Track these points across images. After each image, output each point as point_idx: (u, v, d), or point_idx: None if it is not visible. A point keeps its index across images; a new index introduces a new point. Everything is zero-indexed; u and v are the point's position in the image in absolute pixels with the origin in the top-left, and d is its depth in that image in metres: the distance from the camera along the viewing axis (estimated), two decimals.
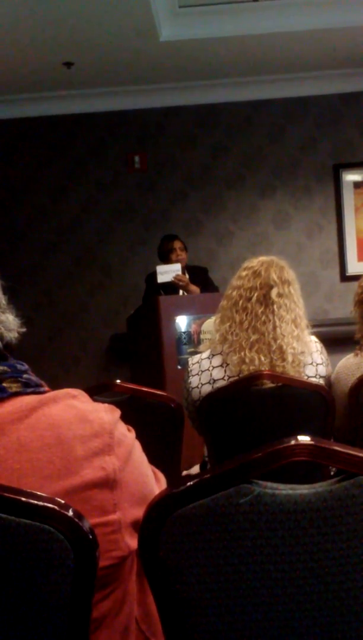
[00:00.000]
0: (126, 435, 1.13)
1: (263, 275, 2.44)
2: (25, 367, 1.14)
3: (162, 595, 1.01)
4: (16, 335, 1.20)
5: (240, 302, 2.43)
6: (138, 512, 1.09)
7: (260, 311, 2.40)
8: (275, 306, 2.40)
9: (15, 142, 6.28)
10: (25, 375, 1.12)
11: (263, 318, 2.39)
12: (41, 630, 0.97)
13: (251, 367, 2.35)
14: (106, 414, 1.10)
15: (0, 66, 5.38)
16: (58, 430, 1.04)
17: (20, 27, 4.70)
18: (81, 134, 6.27)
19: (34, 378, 1.13)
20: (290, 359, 2.37)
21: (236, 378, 2.37)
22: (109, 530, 1.05)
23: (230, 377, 2.39)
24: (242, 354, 2.37)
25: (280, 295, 2.42)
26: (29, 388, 1.10)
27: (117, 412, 1.13)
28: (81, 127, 6.26)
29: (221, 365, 2.43)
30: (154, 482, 1.22)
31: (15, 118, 6.21)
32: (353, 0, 4.95)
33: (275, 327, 2.38)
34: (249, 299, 2.42)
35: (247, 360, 2.36)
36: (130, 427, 1.17)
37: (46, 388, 1.14)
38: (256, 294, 2.41)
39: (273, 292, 2.41)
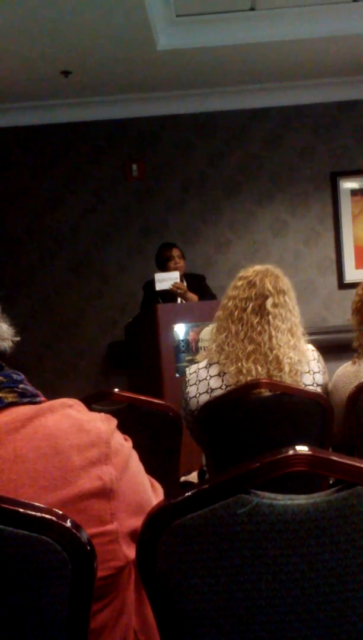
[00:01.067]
0: (123, 444, 1.13)
1: (258, 286, 2.44)
2: (21, 377, 1.14)
3: (160, 606, 1.01)
4: (10, 344, 1.19)
5: (236, 313, 2.43)
6: (135, 522, 1.09)
7: (255, 322, 2.40)
8: (270, 316, 2.40)
9: (13, 150, 6.29)
10: (21, 385, 1.12)
11: (259, 328, 2.39)
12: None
13: (248, 378, 2.35)
14: (103, 424, 1.10)
15: None
16: (55, 440, 1.04)
17: (17, 36, 4.71)
18: (79, 142, 6.28)
19: (30, 388, 1.13)
20: (287, 368, 2.37)
21: (233, 387, 2.37)
22: (106, 540, 1.05)
23: (227, 387, 2.39)
24: (239, 364, 2.37)
25: (275, 305, 2.42)
26: (25, 398, 1.10)
27: (114, 422, 1.13)
28: (78, 135, 6.27)
29: (218, 375, 2.43)
30: (151, 492, 1.21)
31: (12, 126, 6.22)
32: (350, 9, 4.97)
33: (270, 338, 2.38)
34: (244, 310, 2.42)
35: (244, 371, 2.36)
36: (127, 437, 1.17)
37: (42, 398, 1.14)
38: (251, 305, 2.41)
39: (268, 303, 2.41)
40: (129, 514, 1.09)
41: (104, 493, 1.05)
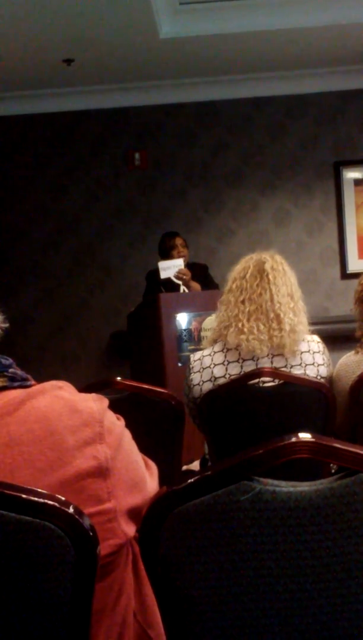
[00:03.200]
0: (115, 423, 1.14)
1: (255, 257, 2.53)
2: (10, 361, 1.15)
3: (163, 592, 1.01)
4: (0, 331, 1.20)
5: (234, 285, 2.49)
6: (132, 499, 1.11)
7: (255, 284, 2.45)
8: (270, 277, 2.45)
9: (15, 139, 6.27)
10: (10, 370, 1.13)
11: (259, 290, 2.43)
12: (42, 626, 0.97)
13: (250, 337, 2.36)
14: (95, 403, 1.11)
15: (0, 63, 5.37)
16: (48, 422, 1.05)
17: (19, 24, 4.69)
18: (81, 131, 6.26)
19: (19, 372, 1.14)
20: (287, 328, 2.39)
21: (236, 376, 2.37)
22: (105, 518, 1.06)
23: (231, 375, 2.39)
24: (240, 325, 2.39)
25: (273, 268, 2.47)
26: (15, 382, 1.11)
27: (106, 401, 1.14)
28: (80, 124, 6.25)
29: (222, 363, 2.43)
30: (145, 469, 1.22)
31: (15, 115, 6.20)
32: None
33: (272, 297, 2.42)
34: (243, 277, 2.47)
35: (246, 329, 2.38)
36: (119, 416, 1.18)
37: (32, 382, 1.15)
38: (250, 270, 2.47)
39: (267, 265, 2.47)
40: (126, 491, 1.10)
41: (100, 472, 1.05)
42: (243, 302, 2.43)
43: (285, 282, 2.46)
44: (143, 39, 5.10)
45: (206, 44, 5.29)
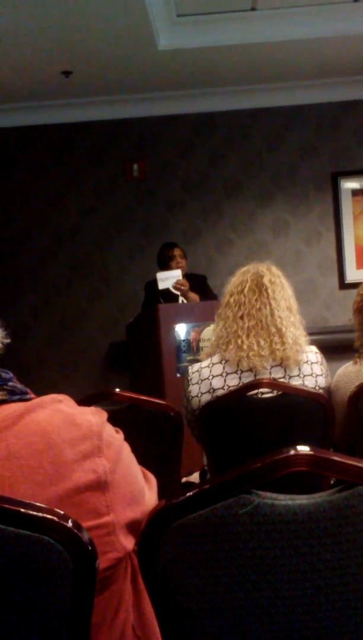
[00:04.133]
0: (114, 436, 1.14)
1: (252, 271, 2.50)
2: (10, 375, 1.15)
3: (162, 605, 1.01)
4: (0, 345, 1.21)
5: (232, 299, 2.46)
6: (131, 513, 1.11)
7: (254, 299, 2.42)
8: (269, 291, 2.43)
9: (14, 150, 6.29)
10: (10, 383, 1.13)
11: (259, 304, 2.41)
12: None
13: (250, 353, 2.35)
14: (93, 417, 1.11)
15: None
16: (47, 435, 1.05)
17: (18, 36, 4.71)
18: (80, 142, 6.28)
19: (19, 385, 1.15)
20: (290, 341, 2.37)
21: (235, 387, 2.36)
22: (103, 532, 1.06)
23: (229, 387, 2.39)
24: (239, 341, 2.37)
25: (272, 282, 2.45)
26: (15, 396, 1.11)
27: (104, 414, 1.14)
28: (79, 135, 6.27)
29: (221, 375, 2.43)
30: (144, 482, 1.22)
31: (13, 127, 6.22)
32: (351, 9, 4.97)
33: (272, 311, 2.40)
34: (241, 292, 2.45)
35: (245, 347, 2.36)
36: (118, 429, 1.18)
37: (32, 395, 1.15)
38: (247, 285, 2.45)
39: (265, 279, 2.45)
40: (124, 505, 1.10)
41: (99, 485, 1.06)
42: (241, 317, 2.40)
43: (283, 295, 2.45)
44: (141, 51, 5.12)
45: (204, 56, 5.32)
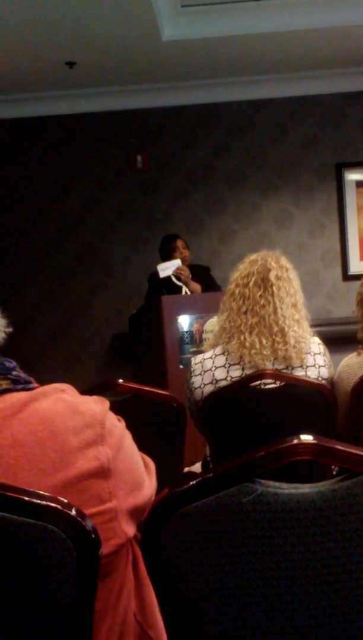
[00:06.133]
0: (116, 424, 1.15)
1: (260, 262, 2.44)
2: (14, 364, 1.16)
3: (165, 593, 1.01)
4: (3, 335, 1.22)
5: (237, 290, 2.42)
6: (132, 499, 1.13)
7: (258, 295, 2.38)
8: (274, 288, 2.37)
9: (18, 141, 6.28)
10: (14, 373, 1.14)
11: (262, 301, 2.37)
12: (45, 628, 0.97)
13: (252, 351, 2.34)
14: (96, 405, 1.12)
15: (3, 66, 5.38)
16: (51, 423, 1.06)
17: (22, 27, 4.70)
18: (83, 133, 6.27)
19: (22, 375, 1.16)
20: (292, 342, 2.35)
21: (238, 378, 2.36)
22: (106, 518, 1.07)
23: (232, 378, 2.39)
24: (242, 338, 2.35)
25: (278, 277, 2.40)
26: (18, 385, 1.13)
27: (107, 403, 1.15)
28: (83, 126, 6.25)
29: (223, 366, 2.42)
30: (144, 470, 1.23)
31: (17, 118, 6.21)
32: (356, 0, 4.95)
33: (275, 310, 2.36)
34: (246, 285, 2.40)
35: (247, 344, 2.34)
36: (120, 417, 1.19)
37: (35, 384, 1.17)
38: (253, 278, 2.40)
39: (272, 275, 2.39)
40: (126, 491, 1.11)
41: (102, 472, 1.07)
42: (245, 312, 2.37)
43: (289, 291, 2.40)
44: (145, 42, 5.10)
45: (207, 47, 5.30)
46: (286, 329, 2.35)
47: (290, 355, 2.35)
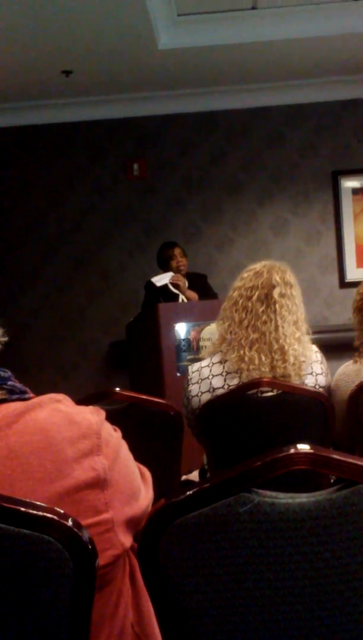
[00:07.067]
0: (112, 434, 1.15)
1: (265, 276, 2.41)
2: (9, 373, 1.16)
3: (162, 603, 1.01)
4: None
5: (240, 301, 2.40)
6: (129, 510, 1.12)
7: (260, 310, 2.36)
8: (277, 305, 2.36)
9: (15, 149, 6.29)
10: (9, 383, 1.14)
11: (264, 317, 2.36)
12: (41, 638, 0.97)
13: (250, 367, 2.33)
14: (92, 415, 1.12)
15: (0, 75, 5.39)
16: (47, 434, 1.06)
17: (19, 35, 4.71)
18: (80, 141, 6.28)
19: (18, 385, 1.16)
20: (291, 360, 2.34)
21: (235, 387, 2.36)
22: (102, 529, 1.06)
23: (229, 386, 2.39)
24: (241, 352, 2.34)
25: (282, 295, 2.38)
26: (14, 395, 1.13)
27: (103, 413, 1.15)
28: (79, 134, 6.27)
29: (221, 374, 2.42)
30: (141, 480, 1.23)
31: (14, 126, 6.22)
32: (352, 8, 4.97)
33: (277, 327, 2.35)
34: (249, 298, 2.38)
35: (247, 359, 2.33)
36: (116, 427, 1.19)
37: (31, 394, 1.16)
38: (257, 293, 2.38)
39: (275, 292, 2.38)
40: (123, 502, 1.11)
41: (98, 483, 1.06)
42: (247, 327, 2.36)
43: (291, 309, 2.38)
44: (142, 50, 5.12)
45: (204, 55, 5.32)
46: (286, 347, 2.34)
47: (288, 373, 2.34)
